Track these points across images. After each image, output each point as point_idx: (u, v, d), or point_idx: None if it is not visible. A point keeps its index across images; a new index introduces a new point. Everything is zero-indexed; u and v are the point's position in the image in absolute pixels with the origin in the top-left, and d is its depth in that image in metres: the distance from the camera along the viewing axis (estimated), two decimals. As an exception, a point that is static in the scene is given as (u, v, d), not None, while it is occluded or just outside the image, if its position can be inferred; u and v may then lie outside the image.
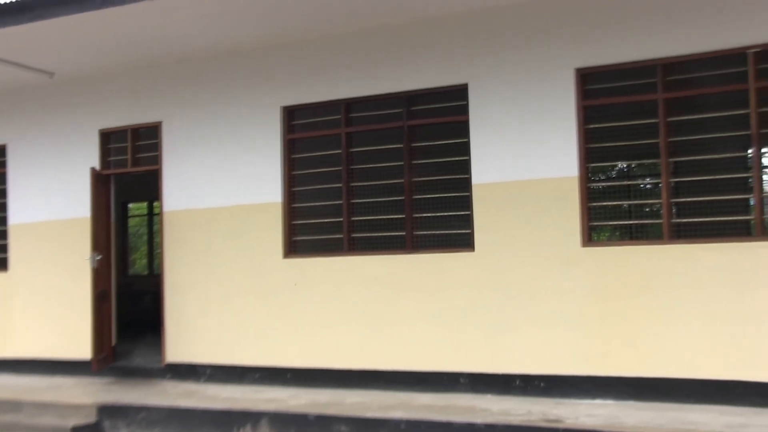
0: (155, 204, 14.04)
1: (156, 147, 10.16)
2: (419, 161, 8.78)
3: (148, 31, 8.70)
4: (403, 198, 8.74)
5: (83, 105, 10.68)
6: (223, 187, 9.62)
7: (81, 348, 10.21)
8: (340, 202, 9.08)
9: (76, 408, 8.50)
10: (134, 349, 11.21)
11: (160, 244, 10.15)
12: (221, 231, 9.60)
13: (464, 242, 8.36)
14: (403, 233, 8.72)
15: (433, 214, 8.69)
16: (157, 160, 10.12)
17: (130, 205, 15.25)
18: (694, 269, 7.36)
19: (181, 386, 9.33)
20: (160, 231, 10.16)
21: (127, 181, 11.71)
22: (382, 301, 8.65)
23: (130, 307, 12.03)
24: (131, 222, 15.49)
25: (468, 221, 8.34)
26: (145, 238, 15.73)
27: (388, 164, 8.92)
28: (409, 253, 8.59)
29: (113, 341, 10.57)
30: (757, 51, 7.24)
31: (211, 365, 9.55)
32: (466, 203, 8.37)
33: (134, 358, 10.67)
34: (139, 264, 15.85)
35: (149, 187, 10.86)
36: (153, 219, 15.02)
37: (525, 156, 8.06)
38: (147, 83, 10.24)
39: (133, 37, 8.93)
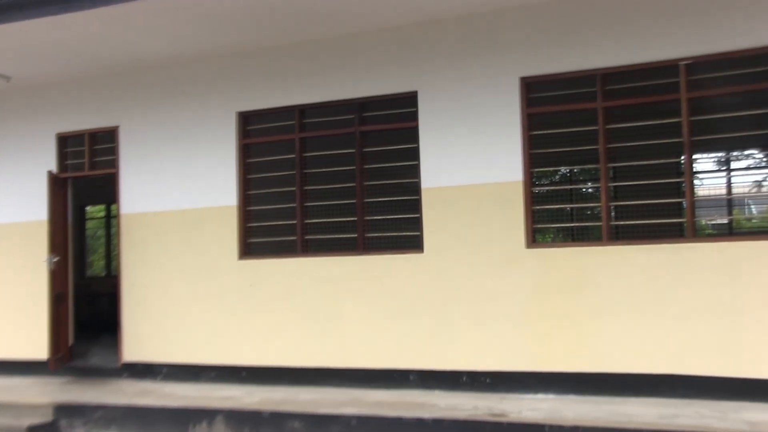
0: (113, 207, 13.83)
1: (113, 151, 10.00)
2: (371, 166, 8.76)
3: (106, 37, 8.56)
4: (355, 201, 8.69)
5: (41, 109, 10.48)
6: (180, 190, 9.50)
7: (38, 348, 10.04)
8: (294, 205, 9.01)
9: (33, 408, 8.30)
10: (91, 349, 11.02)
11: (118, 247, 9.98)
12: (178, 233, 9.49)
13: (414, 244, 8.34)
14: (355, 235, 8.68)
15: (384, 217, 8.67)
16: (114, 163, 9.96)
17: (88, 208, 15.01)
18: (630, 269, 7.42)
19: (138, 385, 9.19)
20: (118, 233, 10.00)
21: (85, 185, 11.50)
22: (335, 301, 8.60)
23: (87, 308, 11.81)
24: (89, 224, 15.24)
25: (418, 224, 8.32)
26: (102, 240, 15.49)
27: (340, 168, 8.86)
28: (360, 254, 8.56)
29: (70, 341, 10.36)
30: (688, 63, 7.33)
31: (167, 364, 9.42)
32: (416, 206, 8.35)
33: (91, 358, 10.48)
34: (96, 266, 15.59)
35: (107, 190, 10.67)
36: (111, 222, 14.80)
37: (472, 161, 8.06)
38: (105, 88, 10.07)
39: (90, 43, 8.79)
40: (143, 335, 9.61)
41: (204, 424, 7.59)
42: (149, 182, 9.70)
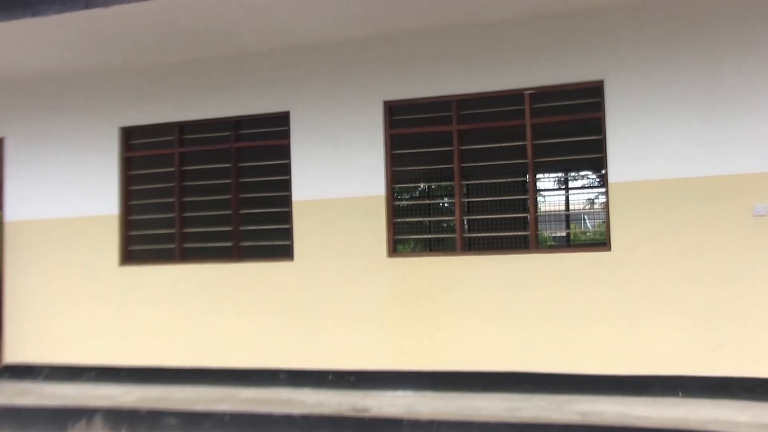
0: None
1: (-2, 161, 9.46)
2: (245, 179, 8.57)
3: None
4: (230, 212, 8.50)
5: None
6: (64, 199, 9.05)
7: None
8: (173, 215, 8.75)
9: None
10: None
11: (1, 253, 9.40)
12: (61, 240, 9.03)
13: (285, 252, 8.19)
14: (230, 244, 8.48)
15: (257, 227, 8.51)
16: (-2, 173, 9.41)
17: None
18: (480, 277, 7.47)
19: (18, 386, 8.63)
20: (1, 240, 9.38)
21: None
22: (210, 305, 8.36)
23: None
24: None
25: (289, 234, 8.19)
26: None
27: (217, 182, 8.65)
28: (235, 261, 8.35)
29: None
30: (531, 93, 7.45)
31: (48, 365, 8.91)
32: (287, 218, 8.21)
33: (-30, 361, 9.82)
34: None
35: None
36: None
37: (339, 176, 7.98)
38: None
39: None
40: (25, 338, 9.09)
41: (83, 423, 7.21)
42: (34, 192, 9.20)
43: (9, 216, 9.32)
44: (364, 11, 7.21)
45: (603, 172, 7.30)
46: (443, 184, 8.78)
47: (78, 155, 9.06)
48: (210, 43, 8.01)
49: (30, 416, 7.42)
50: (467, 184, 7.98)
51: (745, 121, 6.71)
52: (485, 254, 7.53)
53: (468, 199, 8.09)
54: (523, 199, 7.69)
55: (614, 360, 7.01)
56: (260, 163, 8.51)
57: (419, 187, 12.80)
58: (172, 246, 8.75)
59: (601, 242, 7.84)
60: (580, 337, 7.12)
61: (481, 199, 7.99)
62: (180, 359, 8.43)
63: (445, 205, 10.60)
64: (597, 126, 7.28)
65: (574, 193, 14.71)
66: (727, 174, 6.74)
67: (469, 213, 8.03)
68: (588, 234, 16.81)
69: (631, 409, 6.34)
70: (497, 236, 7.75)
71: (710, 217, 6.79)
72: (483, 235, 7.84)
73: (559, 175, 14.24)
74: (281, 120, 8.32)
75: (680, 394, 6.77)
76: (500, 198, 7.75)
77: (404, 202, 8.47)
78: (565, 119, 7.51)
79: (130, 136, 8.99)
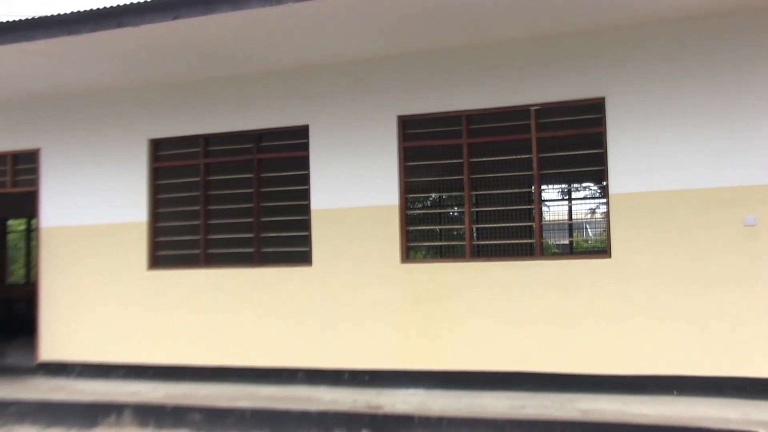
0: (33, 221, 13.22)
1: (35, 170, 9.58)
2: (266, 189, 8.66)
3: (27, 68, 8.23)
4: (252, 220, 8.60)
5: (-35, 131, 9.99)
6: (95, 207, 9.18)
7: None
8: (198, 222, 8.85)
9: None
10: (8, 349, 10.48)
11: (37, 257, 9.53)
12: (92, 246, 9.15)
13: (303, 258, 8.27)
14: (252, 250, 8.57)
15: (277, 234, 8.59)
16: (35, 182, 9.53)
17: (9, 222, 14.31)
18: (488, 282, 7.53)
19: (52, 382, 8.75)
20: (37, 245, 9.54)
21: (7, 200, 10.95)
22: (232, 307, 8.45)
23: (6, 311, 11.23)
24: (10, 237, 14.55)
25: (307, 240, 8.26)
26: (23, 251, 14.80)
27: (240, 191, 8.76)
28: (256, 267, 8.44)
29: (-12, 343, 9.89)
30: (537, 108, 7.53)
31: (80, 363, 9.04)
32: (306, 225, 8.29)
33: (7, 358, 9.94)
34: (16, 274, 14.86)
35: (28, 205, 10.20)
36: (31, 234, 14.15)
37: (355, 186, 8.05)
38: (26, 114, 9.64)
39: (10, 74, 8.46)
40: (58, 337, 9.21)
41: (112, 417, 7.31)
42: (68, 199, 9.33)
43: (44, 222, 9.45)
44: (379, 34, 7.34)
45: (604, 183, 7.36)
46: (454, 194, 8.79)
47: (108, 165, 9.19)
48: (234, 60, 8.12)
49: (63, 411, 7.52)
50: (476, 195, 8.03)
51: (738, 136, 6.80)
52: (492, 260, 7.60)
53: (477, 209, 8.17)
54: (529, 209, 7.77)
55: (613, 361, 7.07)
56: (280, 174, 8.60)
57: (431, 196, 12.83)
58: (196, 252, 8.84)
59: (601, 250, 7.90)
60: (582, 339, 7.19)
61: (489, 208, 8.05)
62: (204, 358, 8.52)
63: (455, 214, 10.62)
64: (599, 140, 7.36)
65: (576, 204, 14.71)
66: (720, 186, 6.82)
67: (477, 222, 8.07)
68: (589, 242, 16.82)
69: (629, 407, 6.41)
70: (504, 244, 7.81)
71: (704, 227, 6.86)
72: (491, 242, 7.91)
73: (563, 186, 14.24)
74: (301, 133, 8.42)
75: (675, 392, 6.84)
76: (507, 208, 7.81)
77: (417, 211, 8.49)
78: (568, 134, 7.57)
79: (157, 147, 9.11)
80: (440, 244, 9.14)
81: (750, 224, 6.70)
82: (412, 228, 8.09)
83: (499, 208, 7.89)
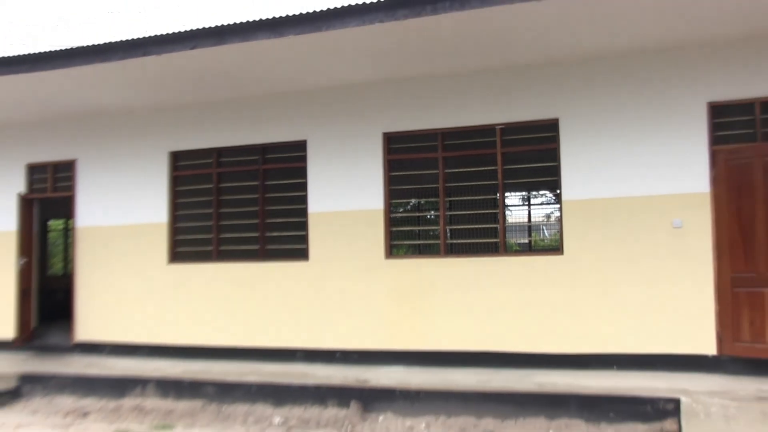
0: (70, 221, 13.19)
1: (71, 178, 9.63)
2: (270, 195, 8.72)
3: (66, 89, 8.29)
4: (257, 221, 8.66)
5: (13, 144, 10.00)
6: (123, 210, 9.24)
7: (5, 331, 9.68)
8: (211, 223, 8.90)
9: (0, 377, 7.84)
10: (49, 331, 10.48)
11: (73, 252, 9.57)
12: (120, 243, 9.20)
13: (302, 254, 8.34)
14: (257, 247, 8.63)
15: (279, 234, 8.64)
16: (71, 188, 9.59)
17: (50, 222, 14.28)
18: (459, 275, 7.63)
19: (86, 359, 8.81)
20: (73, 242, 9.59)
21: (48, 203, 10.98)
22: (241, 296, 8.51)
23: (47, 299, 11.24)
24: (50, 235, 14.53)
25: (305, 239, 8.34)
26: (61, 247, 14.78)
27: (247, 196, 8.81)
28: (261, 261, 8.50)
29: (33, 325, 9.97)
30: (501, 127, 7.62)
31: (110, 343, 9.11)
32: (304, 226, 8.36)
33: (49, 339, 9.95)
34: (56, 267, 14.84)
35: (65, 208, 10.22)
36: (68, 233, 14.11)
37: (347, 193, 8.12)
38: (64, 129, 9.70)
39: (53, 95, 8.52)
40: (92, 321, 9.27)
41: (138, 389, 7.41)
42: (99, 203, 9.39)
43: (79, 222, 9.51)
44: (366, 62, 7.42)
45: (558, 191, 7.43)
46: (430, 200, 8.76)
47: (134, 174, 9.24)
48: (242, 84, 8.18)
49: (96, 384, 7.62)
50: (450, 200, 8.08)
51: (667, 152, 6.94)
52: (464, 257, 7.69)
53: (450, 212, 8.17)
54: (495, 212, 7.81)
55: (565, 342, 7.19)
56: (282, 182, 8.67)
57: (411, 202, 12.87)
58: (210, 248, 8.89)
59: (555, 248, 7.95)
60: (538, 324, 7.30)
61: (461, 212, 8.06)
62: (216, 339, 8.59)
63: (432, 216, 10.56)
64: (553, 155, 7.45)
65: (534, 208, 14.81)
66: (654, 194, 6.97)
67: (451, 223, 8.04)
68: (545, 241, 16.97)
69: (577, 380, 6.53)
70: (473, 242, 7.86)
71: (640, 229, 7.00)
72: (462, 241, 7.97)
73: (523, 193, 14.33)
74: (300, 147, 8.48)
75: (615, 368, 6.98)
76: (476, 212, 7.84)
77: (399, 215, 8.50)
78: (528, 149, 7.66)
79: (177, 158, 9.17)
80: (419, 242, 9.18)
81: (677, 226, 6.87)
82: (394, 229, 8.16)
83: (469, 212, 7.91)
